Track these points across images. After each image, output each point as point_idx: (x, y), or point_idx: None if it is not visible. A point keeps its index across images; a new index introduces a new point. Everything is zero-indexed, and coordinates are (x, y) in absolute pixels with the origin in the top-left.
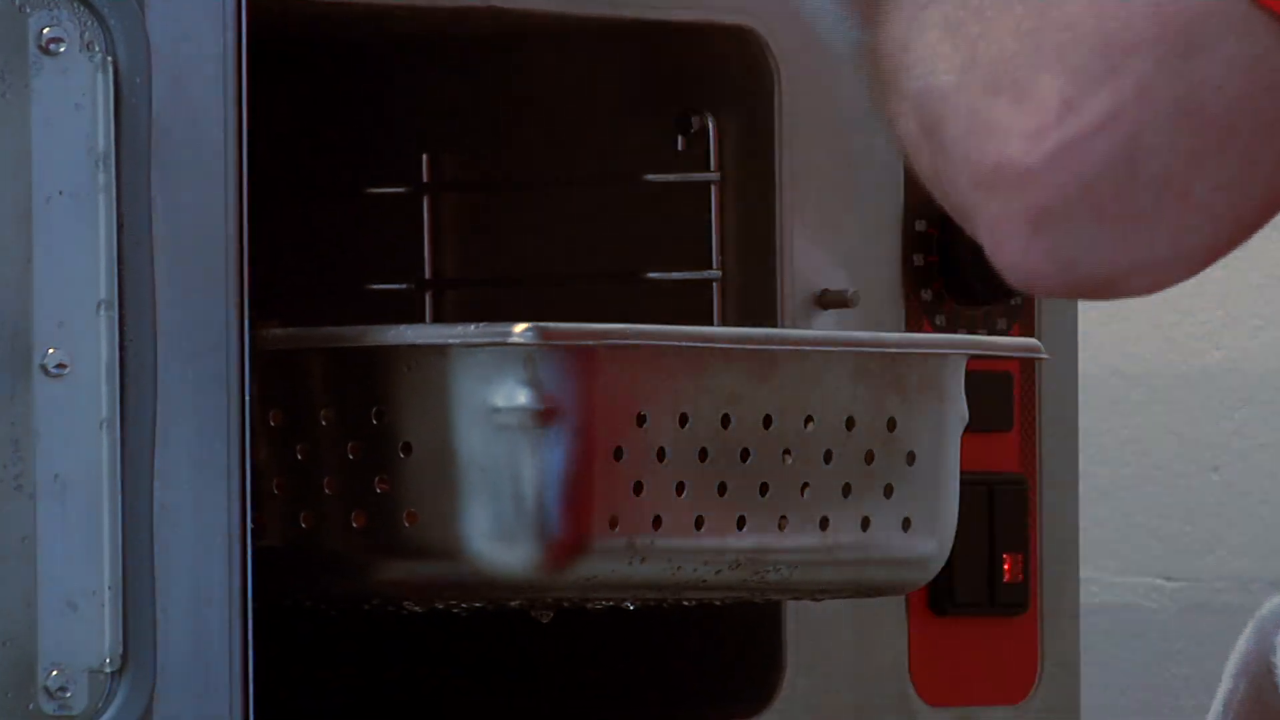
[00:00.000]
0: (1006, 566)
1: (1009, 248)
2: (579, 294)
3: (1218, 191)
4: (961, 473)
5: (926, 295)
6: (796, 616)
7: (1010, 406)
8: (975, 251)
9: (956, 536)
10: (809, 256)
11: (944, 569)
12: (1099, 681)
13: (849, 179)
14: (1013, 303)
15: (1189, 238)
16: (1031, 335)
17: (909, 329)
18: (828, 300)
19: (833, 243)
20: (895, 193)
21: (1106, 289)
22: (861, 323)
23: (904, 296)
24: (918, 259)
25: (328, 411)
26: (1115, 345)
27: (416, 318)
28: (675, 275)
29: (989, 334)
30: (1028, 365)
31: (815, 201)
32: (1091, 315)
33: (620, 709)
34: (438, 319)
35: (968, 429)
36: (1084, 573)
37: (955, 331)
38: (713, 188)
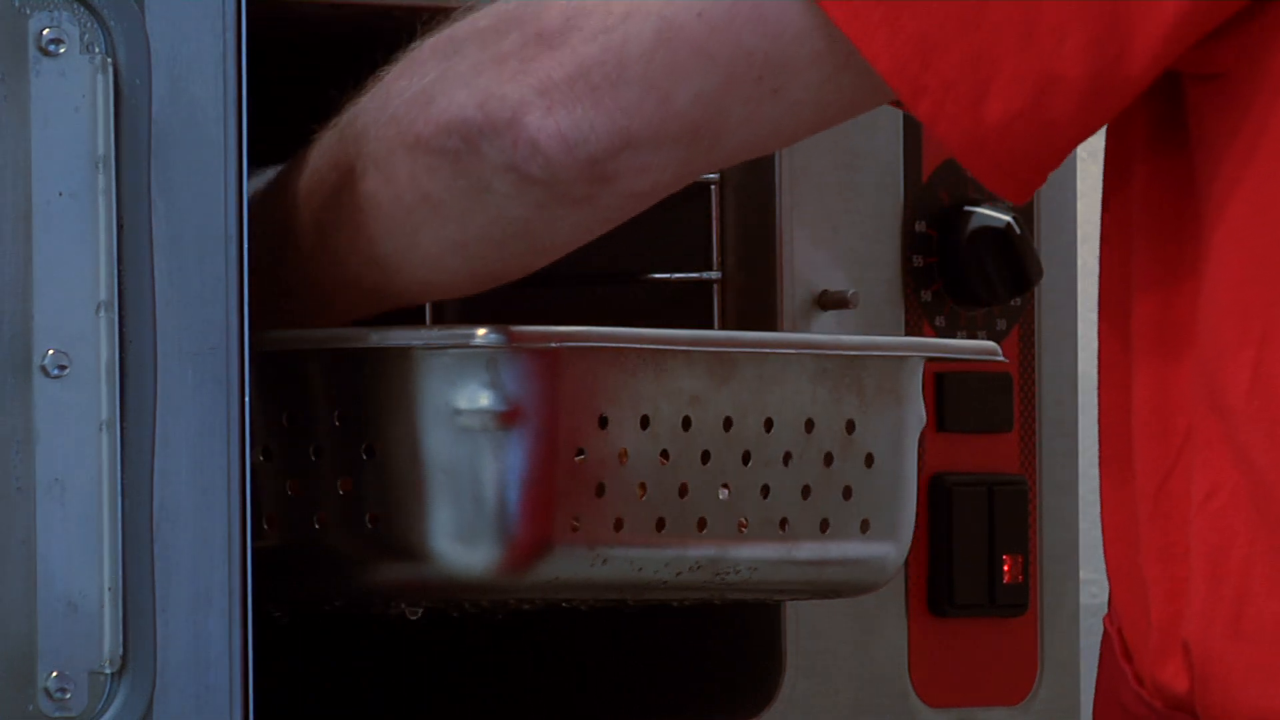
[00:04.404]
0: (1006, 567)
1: (528, 123)
2: (579, 296)
3: (697, 103)
4: (961, 473)
5: (926, 296)
6: (796, 617)
7: (1010, 407)
8: (976, 253)
9: (956, 537)
10: (809, 257)
11: (944, 570)
12: None
13: (849, 179)
14: (1013, 304)
15: (671, 139)
16: (1032, 336)
17: (909, 330)
18: (828, 301)
19: (833, 243)
20: (895, 193)
21: (603, 172)
22: (861, 324)
23: (904, 297)
24: (918, 259)
25: (289, 413)
26: None
27: (417, 319)
28: (675, 276)
29: (989, 335)
30: (1027, 366)
31: (815, 201)
32: (1091, 317)
33: (620, 709)
34: (438, 321)
35: (968, 430)
36: (1084, 573)
37: (956, 332)
38: (713, 188)
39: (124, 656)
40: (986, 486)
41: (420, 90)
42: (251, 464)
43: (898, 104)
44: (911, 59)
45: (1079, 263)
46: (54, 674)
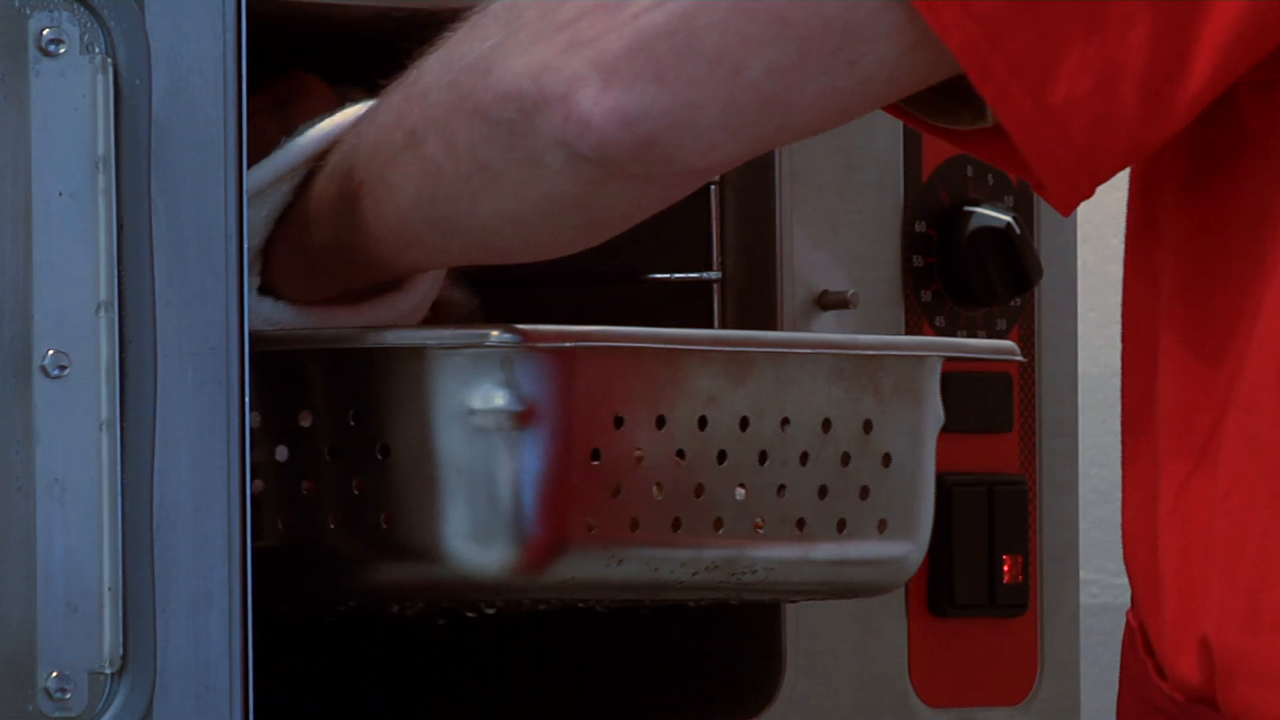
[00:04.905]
0: (1006, 567)
1: (582, 99)
2: (579, 296)
3: (771, 75)
4: (961, 473)
5: (926, 296)
6: (796, 616)
7: (1010, 407)
8: (976, 253)
9: (956, 537)
10: (809, 257)
11: (944, 570)
12: (1099, 682)
13: (849, 179)
14: (1013, 304)
15: (740, 114)
16: (1032, 336)
17: (909, 330)
18: (828, 301)
19: (833, 243)
20: (895, 193)
21: (663, 151)
22: (861, 324)
23: (904, 297)
24: (917, 259)
25: (303, 413)
26: (1114, 346)
27: None
28: (676, 276)
29: (989, 335)
30: (1027, 366)
31: (815, 201)
32: (1091, 317)
33: (621, 709)
34: None
35: (968, 430)
36: (1084, 574)
37: (956, 332)
38: (712, 188)
39: (124, 656)
40: (986, 486)
41: (480, 56)
42: (265, 464)
43: (917, 122)
44: (981, 38)
45: (1079, 263)
46: (54, 674)
